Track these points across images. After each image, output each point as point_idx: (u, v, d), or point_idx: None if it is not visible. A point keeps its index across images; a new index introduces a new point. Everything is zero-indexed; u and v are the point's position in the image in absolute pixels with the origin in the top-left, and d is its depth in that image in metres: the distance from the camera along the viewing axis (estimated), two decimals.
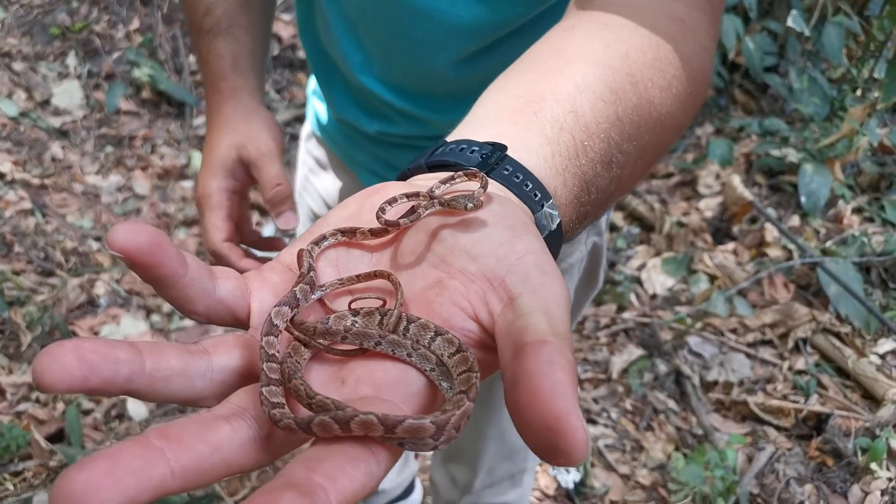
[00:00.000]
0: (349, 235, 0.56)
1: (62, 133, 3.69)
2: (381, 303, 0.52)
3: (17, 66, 3.91)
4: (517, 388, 0.39)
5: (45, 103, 3.81)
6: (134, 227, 0.44)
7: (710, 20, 0.76)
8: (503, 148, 0.58)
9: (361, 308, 0.52)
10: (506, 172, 0.57)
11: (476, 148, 0.59)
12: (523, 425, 0.39)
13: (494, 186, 0.57)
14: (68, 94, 3.85)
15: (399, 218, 0.54)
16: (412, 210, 0.55)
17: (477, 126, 0.63)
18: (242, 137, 1.05)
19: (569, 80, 0.64)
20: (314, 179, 1.40)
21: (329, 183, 1.36)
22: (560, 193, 0.60)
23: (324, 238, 0.55)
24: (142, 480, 0.36)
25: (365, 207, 0.57)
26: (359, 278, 0.54)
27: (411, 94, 1.09)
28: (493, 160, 0.57)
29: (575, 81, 0.64)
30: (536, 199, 0.57)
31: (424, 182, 0.59)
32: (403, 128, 1.13)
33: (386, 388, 0.46)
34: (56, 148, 3.58)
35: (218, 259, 1.05)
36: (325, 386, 0.48)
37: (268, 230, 3.24)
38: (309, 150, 1.39)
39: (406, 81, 1.09)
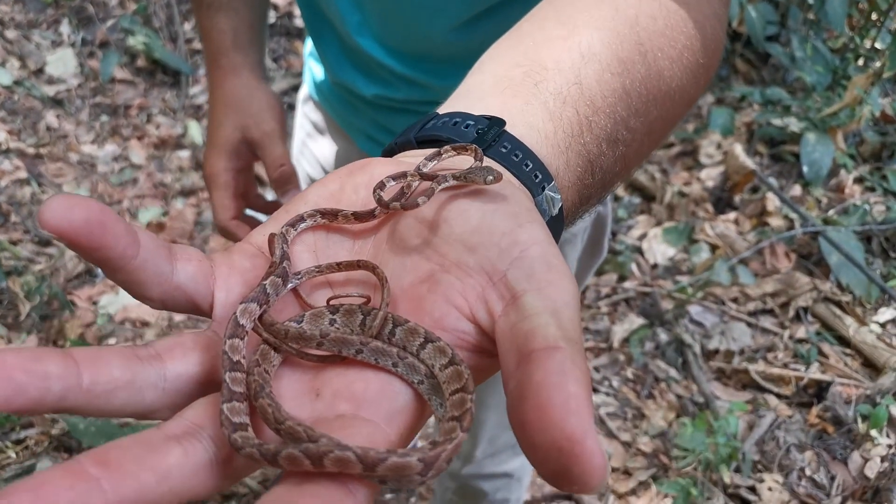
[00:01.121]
0: (330, 218, 0.49)
1: (57, 102, 3.64)
2: (363, 300, 0.46)
3: (10, 34, 3.85)
4: (524, 402, 0.35)
5: (39, 72, 3.76)
6: (69, 201, 0.38)
7: None
8: (501, 123, 0.52)
9: (341, 305, 0.46)
10: (504, 150, 0.51)
11: (471, 122, 0.53)
12: (530, 447, 0.34)
13: (491, 166, 0.50)
14: (62, 63, 3.79)
15: (392, 200, 0.48)
16: (402, 192, 0.48)
17: (472, 98, 0.57)
18: (246, 119, 1.06)
19: (573, 48, 0.58)
20: (311, 144, 1.37)
21: (327, 148, 1.34)
22: (562, 174, 0.54)
23: (301, 219, 0.49)
24: None
25: (347, 186, 0.51)
26: (339, 267, 0.47)
27: (410, 57, 1.07)
28: (491, 136, 0.51)
29: (580, 50, 0.58)
30: (537, 180, 0.51)
31: (413, 159, 0.53)
32: (402, 92, 1.11)
33: (367, 403, 0.41)
34: (51, 117, 3.54)
35: (227, 236, 1.08)
36: (298, 398, 0.42)
37: (271, 196, 3.21)
38: (306, 113, 1.37)
39: (404, 45, 1.06)
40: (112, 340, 2.50)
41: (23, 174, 3.16)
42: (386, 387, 0.42)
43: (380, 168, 0.52)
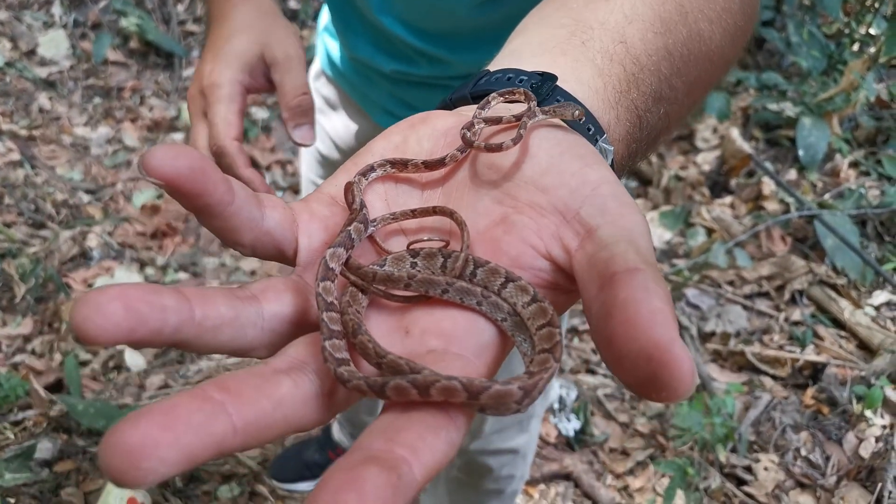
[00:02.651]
0: (399, 167, 0.50)
1: (49, 84, 3.61)
2: (443, 244, 0.48)
3: (2, 15, 3.81)
4: (610, 319, 0.36)
5: (31, 53, 3.72)
6: (174, 149, 0.39)
7: None
8: (553, 78, 0.54)
9: (422, 249, 0.47)
10: (556, 103, 0.52)
11: (524, 77, 0.54)
12: (618, 360, 0.35)
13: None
14: (54, 44, 3.75)
15: (478, 140, 0.49)
16: (465, 140, 0.49)
17: (522, 57, 0.58)
18: (268, 37, 0.94)
19: (617, 8, 0.60)
20: (322, 120, 1.36)
21: (339, 123, 1.33)
22: (613, 128, 0.56)
23: (371, 169, 0.50)
24: (203, 437, 0.33)
25: (410, 138, 0.53)
26: (414, 213, 0.49)
27: (432, 34, 1.06)
28: (545, 91, 0.53)
29: (623, 11, 0.60)
30: (590, 133, 0.52)
31: (471, 112, 0.54)
32: (423, 68, 1.10)
33: (456, 339, 0.42)
34: (43, 99, 3.51)
35: (222, 159, 0.91)
36: (388, 336, 0.44)
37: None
38: (317, 89, 1.36)
39: (427, 22, 1.05)
40: None
41: (16, 156, 3.13)
42: (472, 324, 0.43)
43: (441, 120, 0.53)
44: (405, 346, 0.43)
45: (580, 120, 0.50)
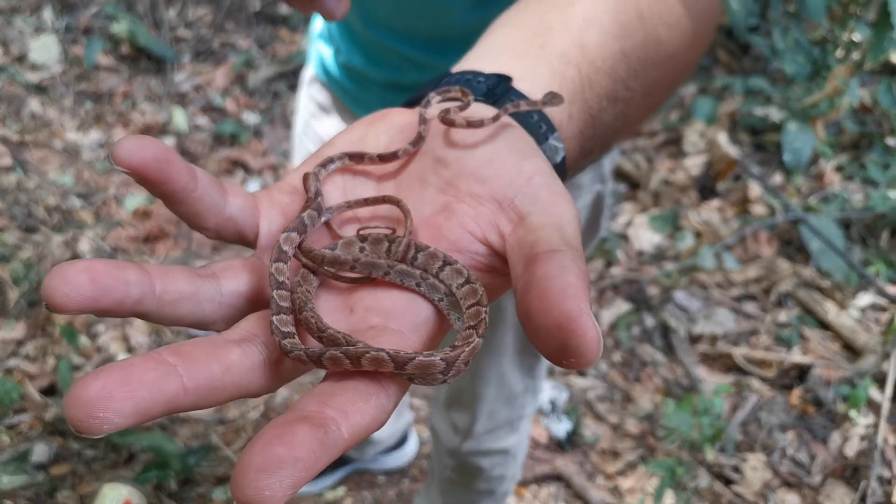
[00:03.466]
0: (356, 160, 0.54)
1: (40, 89, 3.61)
2: (389, 230, 0.52)
3: None
4: (528, 294, 0.39)
5: (22, 58, 3.72)
6: (140, 140, 0.42)
7: None
8: (508, 79, 0.57)
9: (369, 234, 0.51)
10: (510, 103, 0.56)
11: (482, 79, 0.58)
12: (535, 330, 0.38)
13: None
14: (45, 49, 3.76)
15: (452, 121, 0.53)
16: (419, 137, 0.54)
17: (483, 58, 0.62)
18: None
19: (577, 13, 0.63)
20: (315, 124, 1.39)
21: (332, 127, 1.35)
22: (565, 126, 0.60)
23: (331, 161, 0.54)
24: (155, 393, 0.36)
25: (370, 134, 0.56)
26: (367, 202, 0.53)
27: (422, 41, 1.09)
28: (499, 91, 0.57)
29: (584, 15, 0.63)
30: (542, 130, 0.56)
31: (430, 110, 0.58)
32: (413, 76, 1.13)
33: (394, 317, 0.46)
34: (35, 104, 3.51)
35: None
36: (334, 314, 0.48)
37: (253, 186, 3.22)
38: (311, 94, 1.38)
39: (417, 29, 1.08)
40: (101, 326, 2.51)
41: (7, 161, 3.14)
42: (410, 303, 0.47)
43: (398, 117, 0.57)
44: (350, 322, 0.46)
45: (561, 103, 0.54)
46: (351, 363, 0.40)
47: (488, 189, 0.49)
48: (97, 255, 2.82)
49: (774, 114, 3.30)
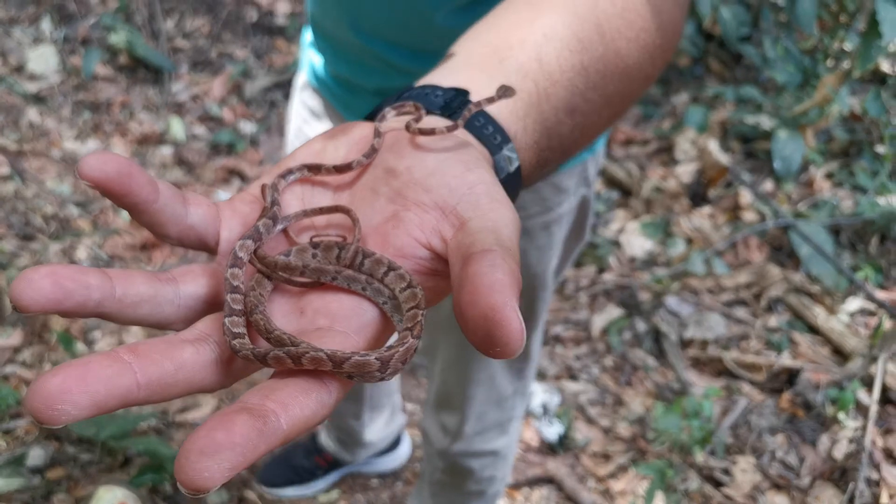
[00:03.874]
0: (314, 171, 0.57)
1: (39, 98, 3.64)
2: (340, 238, 0.55)
3: None
4: (461, 289, 0.42)
5: (20, 68, 3.76)
6: (103, 156, 0.45)
7: None
8: (465, 93, 0.60)
9: (321, 241, 0.54)
10: (467, 115, 0.59)
11: (440, 93, 0.61)
12: (465, 322, 0.41)
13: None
14: (44, 60, 3.79)
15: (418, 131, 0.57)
16: (372, 149, 0.57)
17: (446, 72, 0.65)
18: None
19: (537, 29, 0.66)
20: (308, 130, 1.41)
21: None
22: (520, 137, 0.62)
23: (290, 172, 0.57)
24: (110, 388, 0.39)
25: (329, 146, 0.59)
26: (322, 210, 0.56)
27: (408, 49, 1.11)
28: (456, 104, 0.60)
29: (543, 31, 0.66)
30: (497, 142, 0.60)
31: (392, 123, 0.61)
32: (399, 82, 1.15)
33: (341, 318, 0.49)
34: (33, 113, 3.54)
35: None
36: (286, 316, 0.51)
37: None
38: (303, 100, 1.41)
39: (403, 36, 1.10)
40: (97, 333, 2.53)
41: (5, 170, 3.16)
42: (356, 306, 0.50)
43: (357, 130, 0.60)
44: (299, 324, 0.50)
45: (513, 94, 0.58)
46: (293, 362, 0.42)
47: (433, 198, 0.52)
48: (94, 264, 2.84)
49: (765, 122, 3.34)
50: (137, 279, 0.47)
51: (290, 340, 0.45)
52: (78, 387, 0.38)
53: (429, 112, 0.59)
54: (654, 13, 0.73)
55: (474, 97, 0.60)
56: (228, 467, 0.36)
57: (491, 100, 0.59)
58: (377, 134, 0.58)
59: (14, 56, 3.78)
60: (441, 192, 0.52)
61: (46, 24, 3.94)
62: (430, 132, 0.56)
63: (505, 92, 0.59)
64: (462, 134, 0.58)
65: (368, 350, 0.48)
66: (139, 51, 3.83)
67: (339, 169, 0.56)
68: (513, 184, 0.61)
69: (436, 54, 1.11)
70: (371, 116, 0.64)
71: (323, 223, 0.57)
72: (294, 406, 0.41)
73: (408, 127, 0.57)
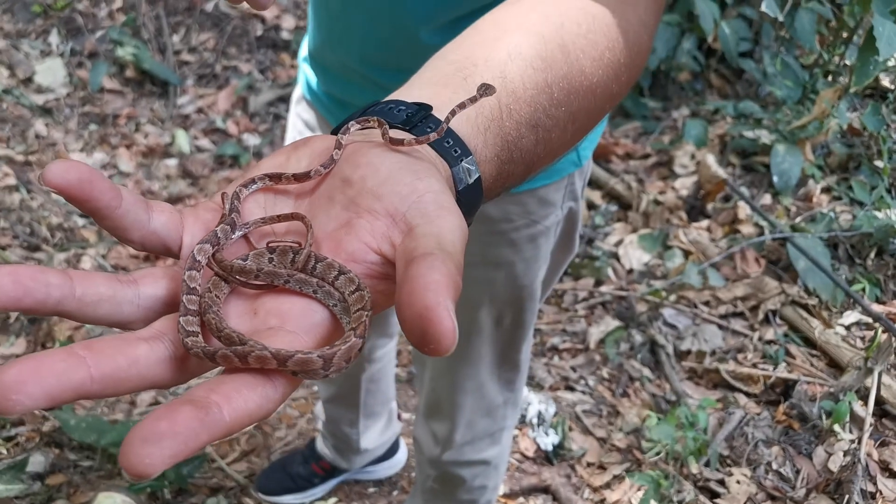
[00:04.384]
0: (275, 180, 0.60)
1: (46, 111, 3.70)
2: (295, 244, 0.58)
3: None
4: (401, 290, 0.45)
5: (28, 81, 3.82)
6: (65, 164, 0.48)
7: None
8: (428, 108, 0.63)
9: (277, 247, 0.57)
10: (429, 129, 0.62)
11: (403, 107, 0.64)
12: (403, 320, 0.44)
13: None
14: (51, 72, 3.85)
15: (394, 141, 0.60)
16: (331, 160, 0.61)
17: (411, 89, 0.68)
18: None
19: (502, 48, 0.69)
20: None
21: None
22: (480, 150, 0.65)
23: (252, 181, 0.60)
24: (63, 381, 0.41)
25: (292, 158, 0.62)
26: (279, 218, 0.58)
27: (394, 69, 1.15)
28: (417, 118, 0.62)
29: (508, 50, 0.69)
30: (456, 154, 0.62)
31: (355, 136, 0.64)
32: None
33: (291, 319, 0.52)
34: (40, 125, 3.60)
35: None
36: (241, 316, 0.53)
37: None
38: (298, 113, 1.45)
39: (389, 57, 1.13)
40: None
41: (12, 181, 3.21)
42: (307, 308, 0.53)
43: (319, 143, 0.63)
44: (252, 324, 0.52)
45: (494, 92, 0.62)
46: (240, 361, 0.45)
47: (384, 205, 0.54)
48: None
49: (764, 136, 3.36)
50: (98, 280, 0.49)
51: (238, 339, 0.47)
52: (32, 378, 0.40)
53: (391, 126, 0.62)
54: (618, 33, 0.76)
55: (436, 112, 0.63)
56: (170, 454, 0.38)
57: (473, 99, 0.62)
58: (338, 146, 0.60)
59: (22, 68, 3.84)
60: (392, 199, 0.54)
61: (54, 38, 4.00)
62: (400, 143, 0.59)
63: (486, 90, 0.62)
64: (419, 151, 0.60)
65: (317, 348, 0.50)
66: (146, 64, 3.89)
67: (298, 178, 0.59)
68: (473, 194, 0.63)
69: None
70: (335, 131, 0.67)
71: (283, 230, 0.59)
72: (238, 399, 0.43)
73: (384, 136, 0.60)
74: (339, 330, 0.53)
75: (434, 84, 0.68)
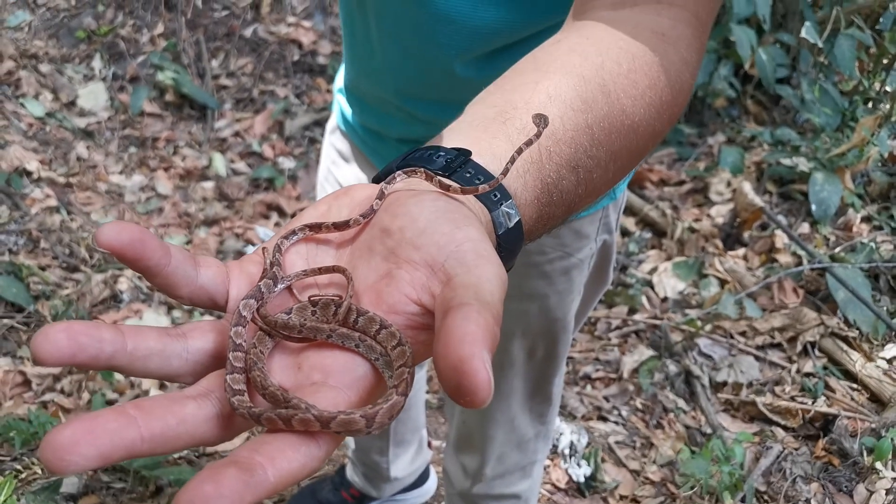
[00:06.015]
0: (315, 229, 0.61)
1: (87, 133, 3.78)
2: (337, 297, 0.58)
3: (44, 67, 4.01)
4: (438, 341, 0.45)
5: (71, 104, 3.91)
6: (118, 226, 0.49)
7: (696, 33, 0.80)
8: (467, 153, 0.63)
9: (320, 300, 0.57)
10: (468, 175, 0.62)
11: (442, 153, 0.64)
12: (440, 371, 0.44)
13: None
14: (93, 96, 3.94)
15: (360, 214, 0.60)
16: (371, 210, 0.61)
17: (452, 134, 0.69)
18: None
19: (542, 90, 0.69)
20: (336, 171, 1.46)
21: (351, 174, 1.42)
22: (520, 194, 0.65)
23: (293, 233, 0.61)
24: (115, 441, 0.42)
25: (333, 207, 0.63)
26: (320, 270, 0.59)
27: (430, 101, 1.15)
28: (457, 164, 0.62)
29: (548, 92, 0.69)
30: (496, 199, 0.62)
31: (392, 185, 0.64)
32: (421, 132, 1.19)
33: (334, 374, 0.52)
34: (81, 148, 3.67)
35: None
36: (285, 371, 0.54)
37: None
38: (332, 142, 1.46)
39: (423, 89, 1.14)
40: None
41: (53, 202, 3.28)
42: (349, 362, 0.53)
43: (359, 192, 0.63)
44: (296, 378, 0.53)
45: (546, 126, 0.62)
46: (283, 424, 0.46)
47: (423, 256, 0.54)
48: (135, 295, 2.92)
49: (802, 164, 3.31)
50: (148, 334, 0.50)
51: (283, 397, 0.48)
52: (86, 439, 0.41)
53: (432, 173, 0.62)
54: (660, 71, 0.75)
55: (476, 157, 0.63)
56: None
57: (538, 135, 0.62)
58: (380, 195, 0.61)
59: (65, 92, 3.93)
60: (430, 250, 0.54)
61: (97, 62, 4.10)
62: (447, 188, 0.59)
63: (542, 120, 0.62)
64: (457, 198, 0.60)
65: (360, 403, 0.51)
66: (185, 88, 3.96)
67: (338, 226, 0.60)
68: (514, 238, 0.63)
69: (458, 105, 1.14)
70: (378, 179, 0.67)
71: (325, 281, 0.60)
72: (282, 459, 0.43)
73: (430, 180, 0.61)
74: (381, 383, 0.53)
75: (473, 128, 0.68)
